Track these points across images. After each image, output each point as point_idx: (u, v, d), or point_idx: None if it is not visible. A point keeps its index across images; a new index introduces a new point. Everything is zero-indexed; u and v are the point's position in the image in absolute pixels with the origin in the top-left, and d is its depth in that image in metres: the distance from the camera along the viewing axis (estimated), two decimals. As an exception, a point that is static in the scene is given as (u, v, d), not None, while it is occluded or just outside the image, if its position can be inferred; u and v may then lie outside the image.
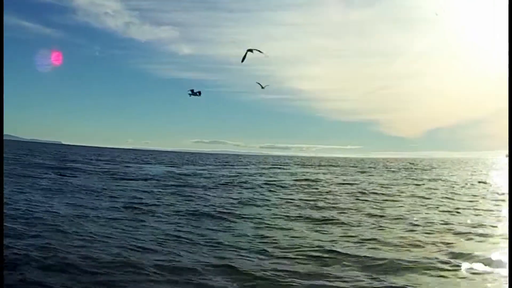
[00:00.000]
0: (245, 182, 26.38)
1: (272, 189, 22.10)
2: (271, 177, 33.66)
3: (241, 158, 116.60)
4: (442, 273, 6.84)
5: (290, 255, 7.77)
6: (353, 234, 9.81)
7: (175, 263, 6.94)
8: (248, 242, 8.70)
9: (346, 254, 7.79)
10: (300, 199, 17.15)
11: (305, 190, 21.85)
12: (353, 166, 66.99)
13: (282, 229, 10.51)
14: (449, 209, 14.71)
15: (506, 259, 7.32)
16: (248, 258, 7.47)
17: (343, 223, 11.48)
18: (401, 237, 9.54)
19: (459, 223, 11.80)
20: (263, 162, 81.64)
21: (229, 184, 24.63)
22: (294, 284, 6.14)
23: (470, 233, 10.21)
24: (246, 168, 48.95)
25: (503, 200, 17.56)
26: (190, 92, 15.50)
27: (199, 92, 15.33)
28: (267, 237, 9.33)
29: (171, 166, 46.36)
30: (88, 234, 8.73)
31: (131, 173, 31.28)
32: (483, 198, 19.18)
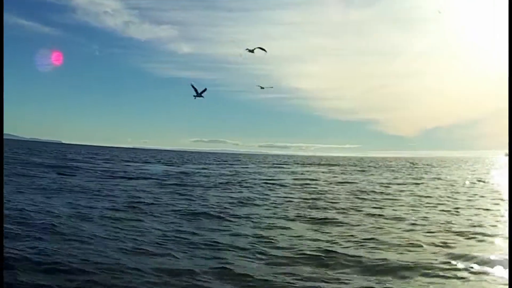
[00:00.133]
0: (244, 181, 26.36)
1: (271, 188, 22.08)
2: (270, 176, 33.65)
3: (240, 157, 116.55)
4: (442, 273, 6.80)
5: (289, 256, 7.71)
6: (352, 234, 9.76)
7: (173, 265, 6.89)
8: (246, 243, 8.65)
9: (345, 255, 7.74)
10: (299, 199, 17.12)
11: (304, 189, 21.83)
12: (352, 165, 67.00)
13: (281, 229, 10.47)
14: (448, 209, 14.68)
15: (506, 259, 7.30)
16: (246, 260, 7.42)
17: (342, 223, 11.44)
18: (400, 237, 9.50)
19: (459, 222, 11.76)
20: (262, 161, 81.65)
21: (228, 183, 24.60)
22: (292, 286, 6.10)
23: (469, 233, 10.18)
24: (245, 167, 48.94)
25: (503, 200, 17.55)
26: (195, 94, 15.13)
27: (205, 90, 14.97)
28: (266, 237, 9.29)
29: (170, 165, 46.32)
30: (86, 235, 8.66)
31: (130, 172, 31.24)
32: (483, 197, 19.16)
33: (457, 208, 15.00)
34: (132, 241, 8.39)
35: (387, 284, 6.31)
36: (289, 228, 10.66)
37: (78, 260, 6.75)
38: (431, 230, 10.51)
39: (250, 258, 7.54)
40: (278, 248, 8.31)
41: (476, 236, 9.86)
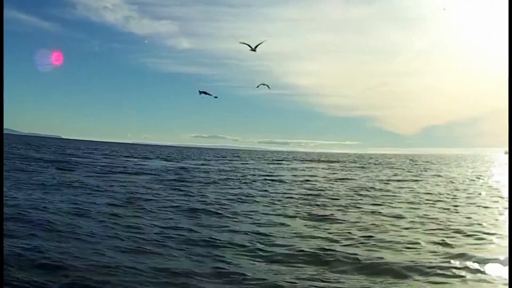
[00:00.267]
0: (243, 177, 26.31)
1: (270, 185, 22.03)
2: (269, 172, 33.60)
3: (239, 153, 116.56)
4: (441, 272, 6.73)
5: (287, 254, 7.65)
6: (351, 232, 9.69)
7: (169, 263, 6.81)
8: (245, 240, 8.57)
9: (344, 253, 7.66)
10: (299, 195, 17.06)
11: (304, 186, 21.78)
12: (352, 162, 66.99)
13: (280, 226, 10.41)
14: (448, 206, 14.62)
15: (505, 258, 7.24)
16: (244, 258, 7.35)
17: (341, 220, 11.37)
18: (399, 236, 9.44)
19: (458, 220, 11.70)
20: (262, 157, 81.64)
21: (228, 179, 24.55)
22: (290, 286, 6.02)
23: (469, 231, 10.12)
24: (245, 163, 48.90)
25: (502, 197, 17.50)
26: (206, 93, 15.06)
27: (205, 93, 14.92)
28: (265, 234, 9.22)
29: (169, 161, 46.27)
30: (82, 232, 8.58)
31: (129, 167, 31.18)
32: (483, 194, 19.11)
33: (457, 205, 14.95)
34: (129, 238, 8.31)
35: (385, 284, 6.25)
36: (288, 225, 10.59)
37: (72, 258, 6.66)
38: (430, 228, 10.45)
39: (248, 256, 7.46)
40: (277, 245, 8.24)
41: (476, 234, 9.80)
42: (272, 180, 24.86)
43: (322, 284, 6.14)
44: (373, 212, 12.96)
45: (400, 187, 22.27)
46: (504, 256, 7.42)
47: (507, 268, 6.76)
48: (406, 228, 10.45)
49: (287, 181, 25.06)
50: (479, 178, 31.49)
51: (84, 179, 20.10)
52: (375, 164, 59.65)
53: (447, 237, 9.39)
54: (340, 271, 6.74)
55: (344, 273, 6.67)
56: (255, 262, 7.12)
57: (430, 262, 7.22)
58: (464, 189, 21.67)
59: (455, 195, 18.52)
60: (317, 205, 14.43)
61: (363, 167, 47.60)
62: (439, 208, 14.32)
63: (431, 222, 11.28)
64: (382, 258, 7.42)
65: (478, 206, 14.98)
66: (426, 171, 41.59)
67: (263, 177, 27.10)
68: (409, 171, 40.18)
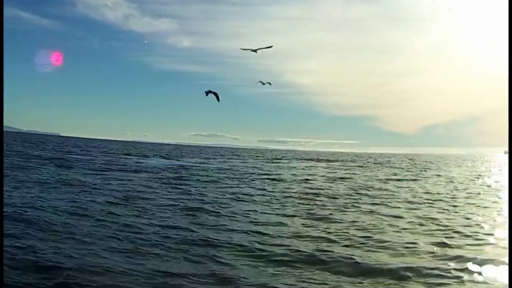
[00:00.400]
0: (242, 176, 26.24)
1: (270, 184, 21.95)
2: (269, 171, 33.53)
3: (239, 152, 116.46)
4: (439, 273, 6.67)
5: (285, 254, 7.58)
6: (349, 233, 9.62)
7: (166, 264, 6.74)
8: (243, 241, 8.50)
9: (341, 254, 7.58)
10: (298, 194, 16.99)
11: (303, 185, 21.71)
12: (351, 161, 66.93)
13: (278, 225, 10.34)
14: (447, 206, 14.56)
15: (505, 259, 7.18)
16: (242, 258, 7.27)
17: (340, 220, 11.30)
18: (398, 237, 9.36)
19: (457, 221, 11.65)
20: (261, 156, 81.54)
21: (227, 178, 24.49)
22: (288, 287, 5.96)
23: (468, 232, 10.05)
24: (244, 162, 48.82)
25: (501, 197, 17.46)
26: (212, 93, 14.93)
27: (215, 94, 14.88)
28: (263, 234, 9.16)
29: (168, 159, 46.18)
30: (78, 232, 8.50)
31: (128, 165, 31.09)
32: (482, 194, 19.06)
33: (456, 205, 14.89)
34: (125, 238, 8.23)
35: (383, 286, 6.18)
36: (286, 224, 10.53)
37: (67, 258, 6.58)
38: (429, 229, 10.39)
39: (246, 256, 7.39)
40: (275, 245, 8.17)
41: (475, 235, 9.73)
42: (271, 179, 24.79)
43: (319, 286, 6.07)
44: (372, 212, 12.90)
45: (399, 187, 22.22)
46: (504, 257, 7.35)
47: (507, 269, 6.70)
48: (405, 229, 10.38)
49: (286, 180, 24.99)
50: (479, 177, 31.46)
51: (82, 177, 20.01)
52: (374, 163, 59.59)
53: (446, 237, 9.32)
54: (338, 272, 6.67)
55: (342, 274, 6.60)
56: (253, 263, 7.04)
57: (429, 263, 7.16)
58: (464, 189, 21.62)
59: (454, 195, 18.46)
60: (316, 204, 14.37)
61: (362, 166, 47.56)
62: (438, 208, 14.26)
63: (430, 223, 11.22)
64: (380, 259, 7.36)
65: (478, 206, 14.93)
66: (425, 170, 41.54)
67: (262, 176, 27.03)
68: (408, 171, 40.12)
